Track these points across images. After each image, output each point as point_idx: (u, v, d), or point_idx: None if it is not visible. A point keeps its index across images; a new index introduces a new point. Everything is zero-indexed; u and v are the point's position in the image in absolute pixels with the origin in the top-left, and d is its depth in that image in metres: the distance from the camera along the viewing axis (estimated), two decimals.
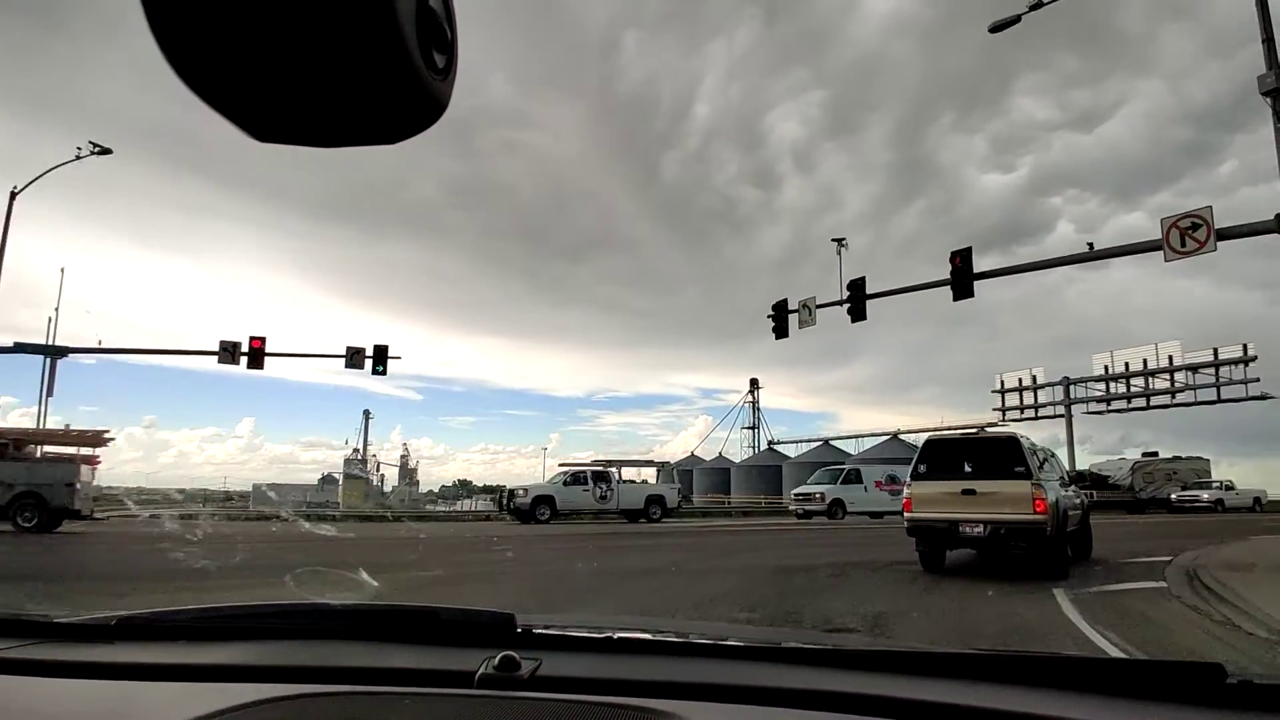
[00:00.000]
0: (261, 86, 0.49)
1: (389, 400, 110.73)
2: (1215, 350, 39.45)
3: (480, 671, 1.22)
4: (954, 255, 17.34)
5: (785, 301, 21.23)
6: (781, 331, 21.01)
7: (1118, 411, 42.90)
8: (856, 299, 19.49)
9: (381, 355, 25.18)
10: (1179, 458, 49.17)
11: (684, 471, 70.83)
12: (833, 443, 68.96)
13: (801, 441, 71.66)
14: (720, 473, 62.86)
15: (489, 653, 1.27)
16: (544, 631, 1.50)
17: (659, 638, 1.56)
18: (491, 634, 1.43)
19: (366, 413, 66.63)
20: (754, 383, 77.64)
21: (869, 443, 65.63)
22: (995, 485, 10.31)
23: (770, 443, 74.31)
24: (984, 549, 10.76)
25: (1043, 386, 44.86)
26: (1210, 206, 14.31)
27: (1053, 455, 12.15)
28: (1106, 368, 43.25)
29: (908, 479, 11.33)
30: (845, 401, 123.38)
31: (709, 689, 1.20)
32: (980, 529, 10.25)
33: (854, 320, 19.44)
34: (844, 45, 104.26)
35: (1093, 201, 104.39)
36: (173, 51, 0.46)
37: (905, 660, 1.33)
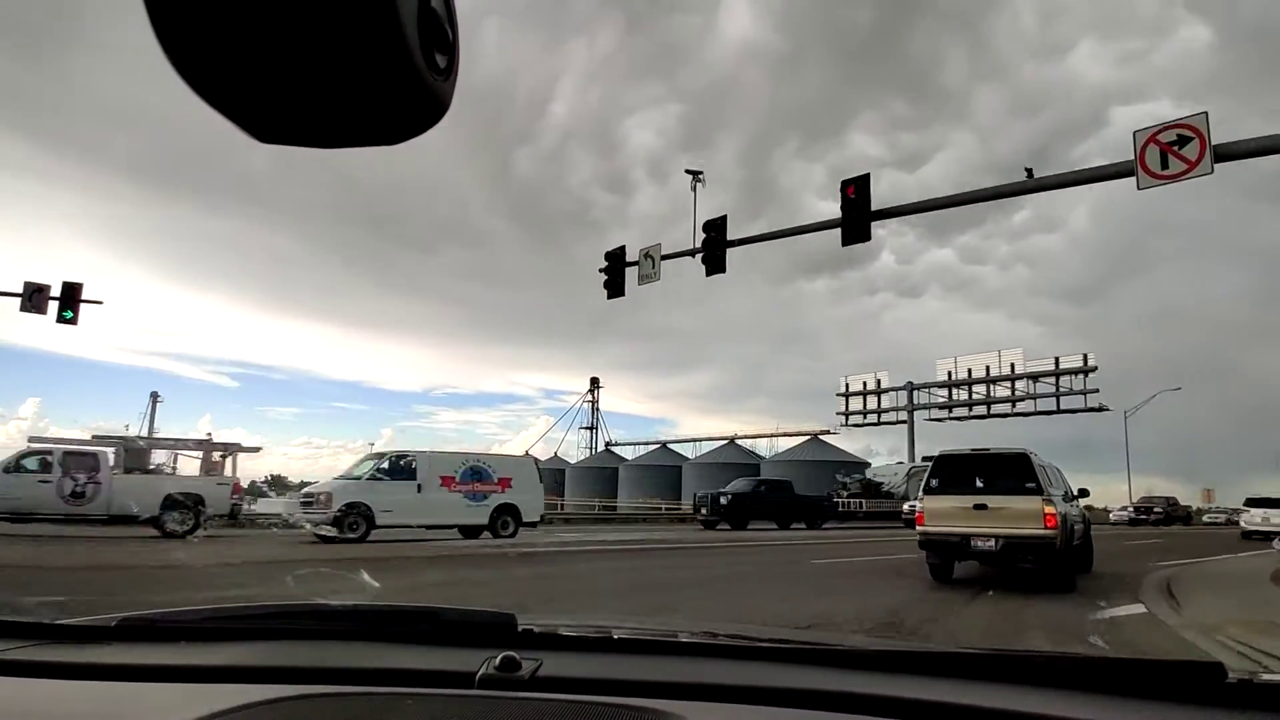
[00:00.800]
0: (264, 87, 0.49)
1: (198, 385, 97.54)
2: (1056, 360, 37.62)
3: (481, 672, 1.22)
4: (846, 184, 12.17)
5: (622, 250, 15.51)
6: (616, 289, 15.47)
7: (958, 419, 40.42)
8: (714, 245, 13.98)
9: (71, 297, 17.39)
10: None
11: None
12: (670, 445, 64.84)
13: (639, 444, 67.45)
14: (555, 474, 58.17)
15: (490, 653, 1.26)
16: (545, 631, 1.47)
17: (661, 638, 1.54)
18: (492, 634, 1.43)
19: (154, 395, 55.65)
20: (594, 382, 72.48)
21: (706, 446, 61.97)
22: (1007, 500, 10.28)
23: (608, 444, 69.43)
24: (994, 563, 10.81)
25: (886, 391, 41.89)
26: (1205, 113, 9.55)
27: (1058, 471, 12.10)
28: (950, 373, 40.76)
29: (919, 492, 11.20)
30: (685, 408, 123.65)
31: (711, 689, 1.20)
32: (992, 543, 10.25)
33: (710, 271, 14.17)
34: (700, 64, 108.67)
35: (910, 235, 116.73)
36: (175, 52, 0.46)
37: (905, 660, 1.32)
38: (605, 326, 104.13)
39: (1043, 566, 10.28)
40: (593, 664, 1.34)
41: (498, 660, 1.22)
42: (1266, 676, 1.13)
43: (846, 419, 45.53)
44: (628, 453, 66.79)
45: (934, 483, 11.00)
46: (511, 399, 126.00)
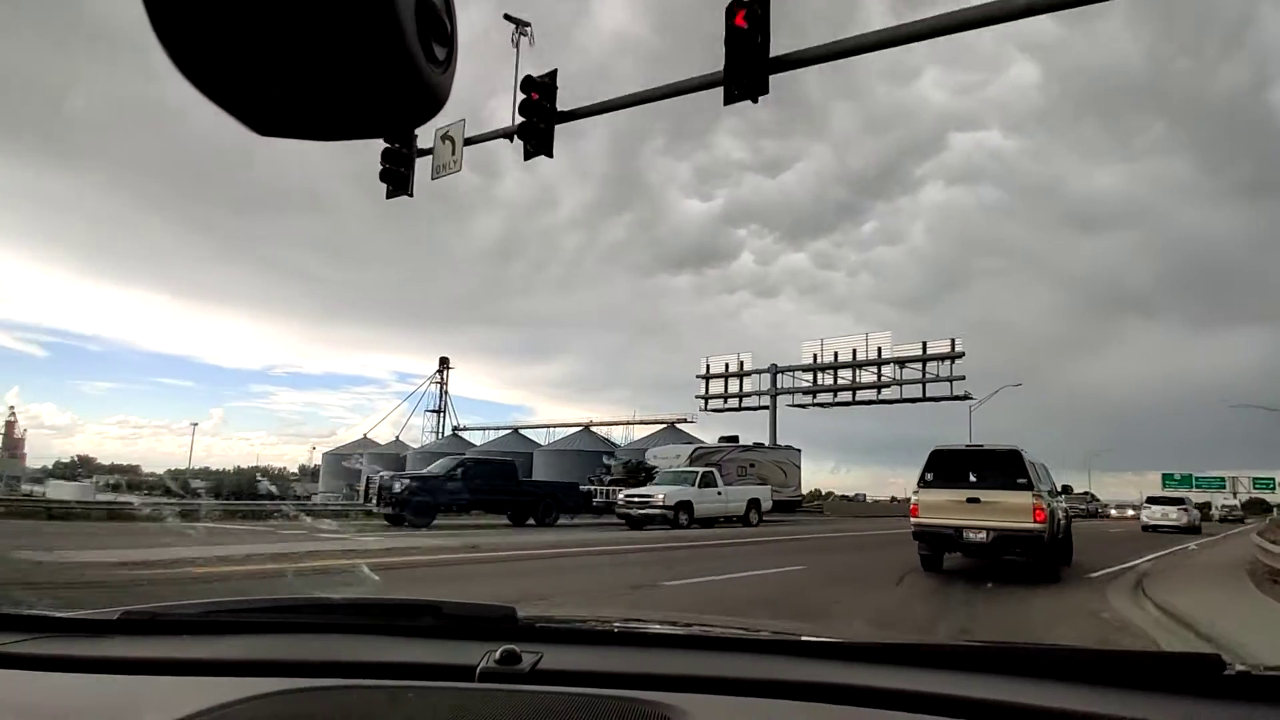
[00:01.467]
0: (263, 80, 0.49)
1: (2, 354, 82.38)
2: (924, 344, 34.97)
3: (481, 665, 1.21)
4: (735, 9, 7.28)
5: (410, 136, 10.06)
6: (398, 182, 9.98)
7: (823, 405, 37.41)
8: (537, 114, 8.86)
9: None
10: (760, 445, 37.70)
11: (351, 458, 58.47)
12: (522, 431, 59.42)
13: (489, 429, 61.62)
14: (394, 460, 51.07)
15: (491, 646, 1.25)
16: (546, 624, 1.47)
17: (662, 630, 1.55)
18: (493, 627, 1.44)
19: None
20: (444, 362, 66.24)
21: (561, 433, 56.96)
22: (999, 495, 10.55)
23: (455, 429, 63.05)
24: (985, 555, 11.02)
25: (749, 374, 38.28)
26: None
27: (1045, 468, 12.41)
28: (815, 356, 37.58)
29: (916, 485, 11.47)
30: (544, 396, 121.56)
31: (712, 682, 1.19)
32: (984, 535, 10.49)
33: (531, 153, 9.05)
34: (571, 51, 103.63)
35: (769, 238, 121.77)
36: (172, 44, 0.46)
37: (905, 652, 1.31)
38: (465, 310, 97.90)
39: (1031, 558, 10.64)
40: (593, 657, 1.33)
41: (498, 653, 1.22)
42: (1265, 669, 1.13)
43: (706, 403, 41.98)
44: (477, 438, 61.16)
45: (929, 477, 11.20)
46: (361, 381, 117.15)
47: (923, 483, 11.12)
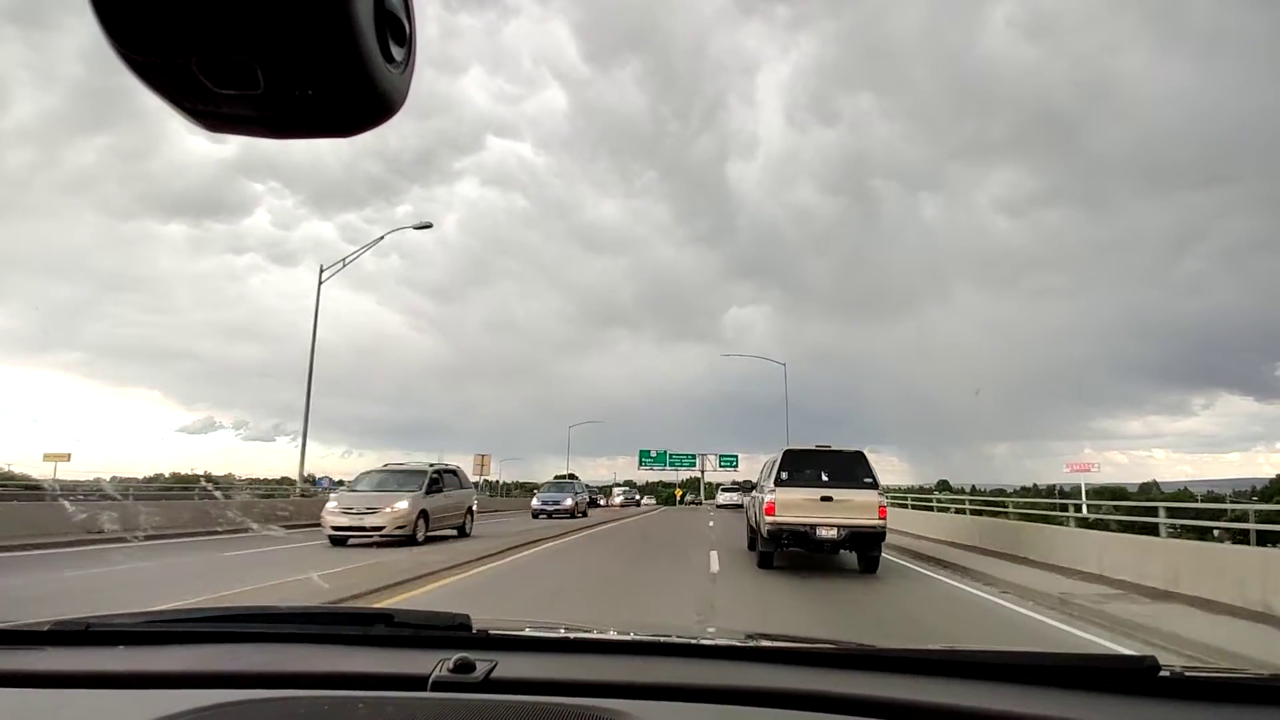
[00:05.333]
0: (215, 78, 0.47)
1: None
2: None
3: (434, 674, 1.17)
4: None
5: None
6: None
7: None
8: None
9: None
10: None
11: None
12: None
13: None
14: None
15: (444, 654, 1.21)
16: (500, 633, 1.43)
17: (615, 637, 1.55)
18: (447, 636, 1.38)
19: None
20: None
21: None
22: (850, 493, 11.16)
23: None
24: (832, 550, 11.50)
25: None
26: None
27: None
28: None
29: (771, 484, 11.56)
30: None
31: (665, 689, 1.18)
32: (834, 532, 11.07)
33: None
34: None
35: (291, 200, 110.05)
36: (120, 37, 0.44)
37: (855, 658, 1.33)
38: None
39: (869, 551, 11.31)
40: (548, 665, 1.30)
41: (451, 662, 1.18)
42: (1195, 672, 1.18)
43: None
44: None
45: (784, 475, 11.39)
46: None
47: (779, 482, 11.28)
